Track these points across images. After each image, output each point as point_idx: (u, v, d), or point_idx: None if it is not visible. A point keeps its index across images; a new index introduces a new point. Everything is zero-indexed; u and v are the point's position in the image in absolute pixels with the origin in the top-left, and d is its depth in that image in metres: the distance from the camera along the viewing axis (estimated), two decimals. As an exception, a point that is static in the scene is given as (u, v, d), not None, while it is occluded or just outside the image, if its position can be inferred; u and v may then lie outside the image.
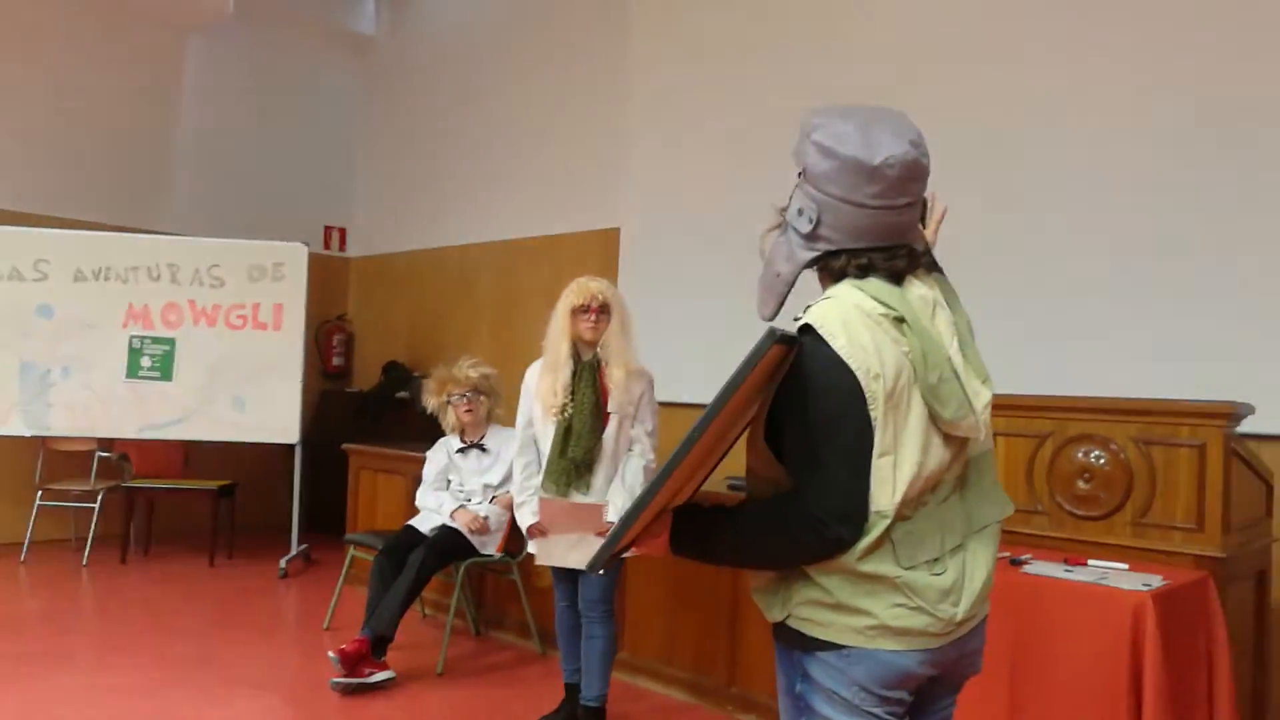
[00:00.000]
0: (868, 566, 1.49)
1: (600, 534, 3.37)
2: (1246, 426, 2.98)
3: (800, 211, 1.57)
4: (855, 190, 1.52)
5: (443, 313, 7.57)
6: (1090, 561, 2.79)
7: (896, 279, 1.57)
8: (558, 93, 6.68)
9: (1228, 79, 3.74)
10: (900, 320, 1.52)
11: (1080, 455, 3.00)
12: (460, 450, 4.63)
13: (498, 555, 4.49)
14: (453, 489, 4.63)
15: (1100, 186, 4.03)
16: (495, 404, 4.66)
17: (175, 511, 6.84)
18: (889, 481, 1.48)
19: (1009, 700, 2.54)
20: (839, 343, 1.48)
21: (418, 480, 4.76)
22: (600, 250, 6.14)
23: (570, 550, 3.45)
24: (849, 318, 1.50)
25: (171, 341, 6.24)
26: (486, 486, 4.57)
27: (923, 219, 1.66)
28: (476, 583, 5.04)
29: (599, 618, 3.51)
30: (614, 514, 3.40)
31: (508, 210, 7.01)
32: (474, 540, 4.42)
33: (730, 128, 5.33)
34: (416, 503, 4.68)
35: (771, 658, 1.67)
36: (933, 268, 1.68)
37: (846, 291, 1.55)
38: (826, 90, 4.90)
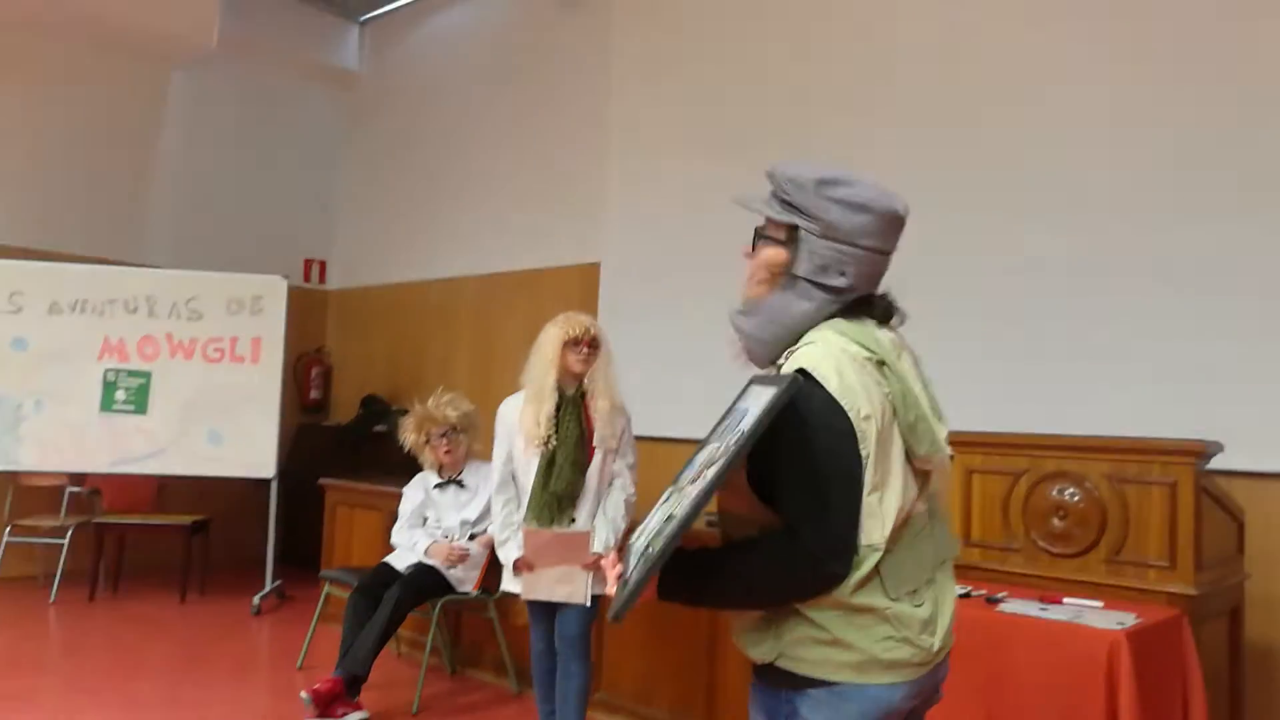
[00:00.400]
0: (860, 599, 1.53)
1: (587, 566, 3.37)
2: (1217, 463, 3.01)
3: (825, 268, 1.63)
4: (887, 241, 1.66)
5: (422, 346, 7.55)
6: (1065, 599, 2.80)
7: (887, 319, 1.69)
8: (539, 127, 6.73)
9: (1202, 120, 3.82)
10: (881, 363, 1.60)
11: (1055, 493, 3.03)
12: (438, 486, 4.61)
13: (474, 593, 4.45)
14: (429, 525, 4.60)
15: (1075, 228, 4.09)
16: (474, 440, 4.64)
17: (147, 547, 6.74)
18: (878, 515, 1.54)
19: (985, 739, 2.54)
20: (833, 385, 1.54)
21: (395, 516, 4.73)
22: (580, 285, 6.16)
23: (557, 584, 3.41)
24: (840, 361, 1.57)
25: (147, 375, 6.19)
26: (464, 523, 4.54)
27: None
28: (452, 620, 4.99)
29: (577, 655, 3.47)
30: (599, 546, 3.39)
31: (488, 244, 7.03)
32: (450, 578, 4.38)
33: (710, 163, 5.38)
34: (392, 540, 4.65)
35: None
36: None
37: (830, 336, 1.61)
38: (805, 128, 4.97)
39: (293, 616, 5.94)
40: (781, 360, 1.62)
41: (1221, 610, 3.12)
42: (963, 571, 3.17)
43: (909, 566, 1.59)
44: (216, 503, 6.74)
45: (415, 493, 4.67)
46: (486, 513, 4.55)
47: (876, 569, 1.53)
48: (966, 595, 2.85)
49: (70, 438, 6.07)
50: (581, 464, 3.42)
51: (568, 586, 3.38)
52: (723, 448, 1.52)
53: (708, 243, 5.09)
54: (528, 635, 3.69)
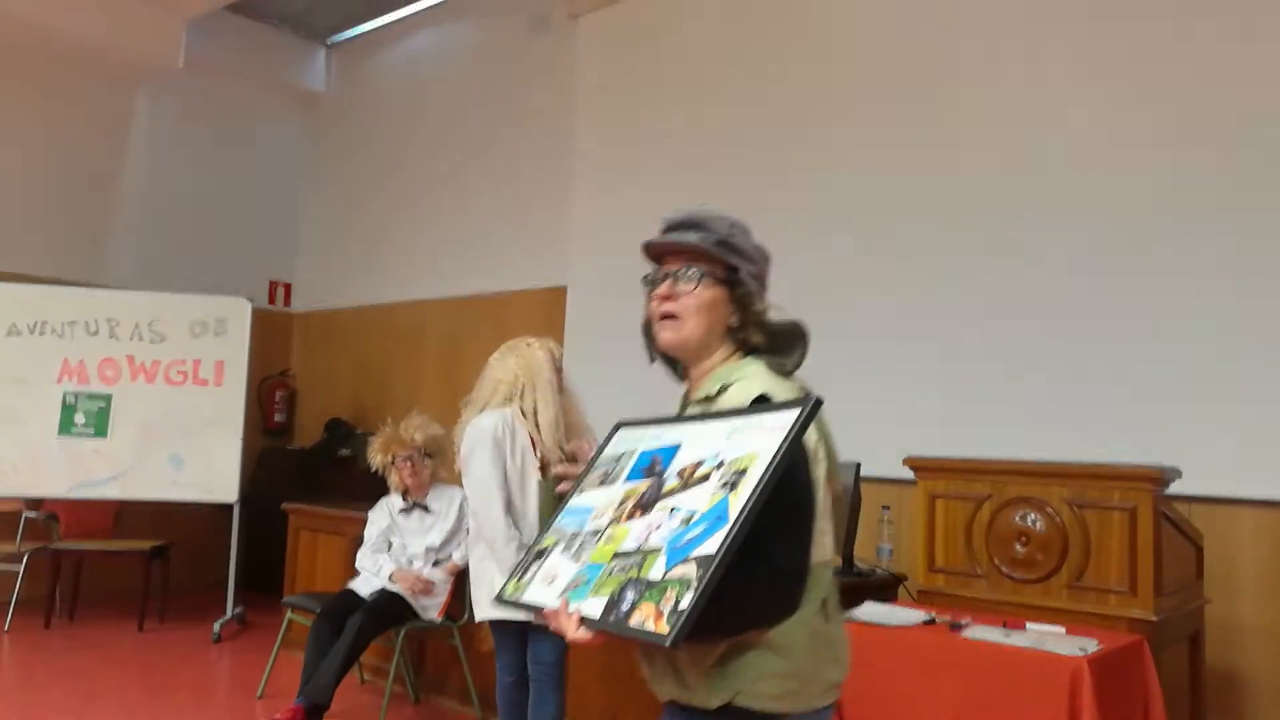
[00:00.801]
0: (817, 621, 1.59)
1: None
2: (1175, 489, 3.05)
3: (758, 306, 1.73)
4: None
5: (387, 369, 7.50)
6: (1028, 625, 2.81)
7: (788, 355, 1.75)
8: (505, 150, 6.75)
9: (1156, 157, 3.90)
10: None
11: (1017, 519, 3.05)
12: (403, 510, 4.57)
13: (439, 620, 4.41)
14: (394, 550, 4.55)
15: (1033, 253, 4.15)
16: (440, 465, 4.60)
17: (105, 573, 6.61)
18: (828, 533, 1.60)
19: (950, 766, 2.54)
20: None
21: (359, 541, 4.67)
22: (546, 308, 6.16)
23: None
24: (787, 388, 1.61)
25: (108, 397, 6.11)
26: (429, 549, 4.50)
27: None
28: (416, 647, 4.93)
29: (552, 684, 3.35)
30: None
31: (454, 267, 7.01)
32: (415, 604, 4.34)
33: (673, 189, 5.40)
34: (356, 565, 4.60)
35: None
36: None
37: (768, 368, 1.66)
38: (769, 155, 5.02)
39: (254, 644, 5.85)
40: (713, 392, 1.66)
41: (1182, 635, 3.15)
42: (927, 597, 3.20)
43: (833, 590, 1.65)
44: (177, 528, 6.63)
45: (380, 517, 4.63)
46: (451, 537, 4.52)
47: (824, 591, 1.59)
48: (930, 621, 2.86)
49: (27, 461, 5.96)
50: None
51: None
52: (650, 484, 1.53)
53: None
54: (493, 662, 3.62)
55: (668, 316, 1.73)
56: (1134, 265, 3.89)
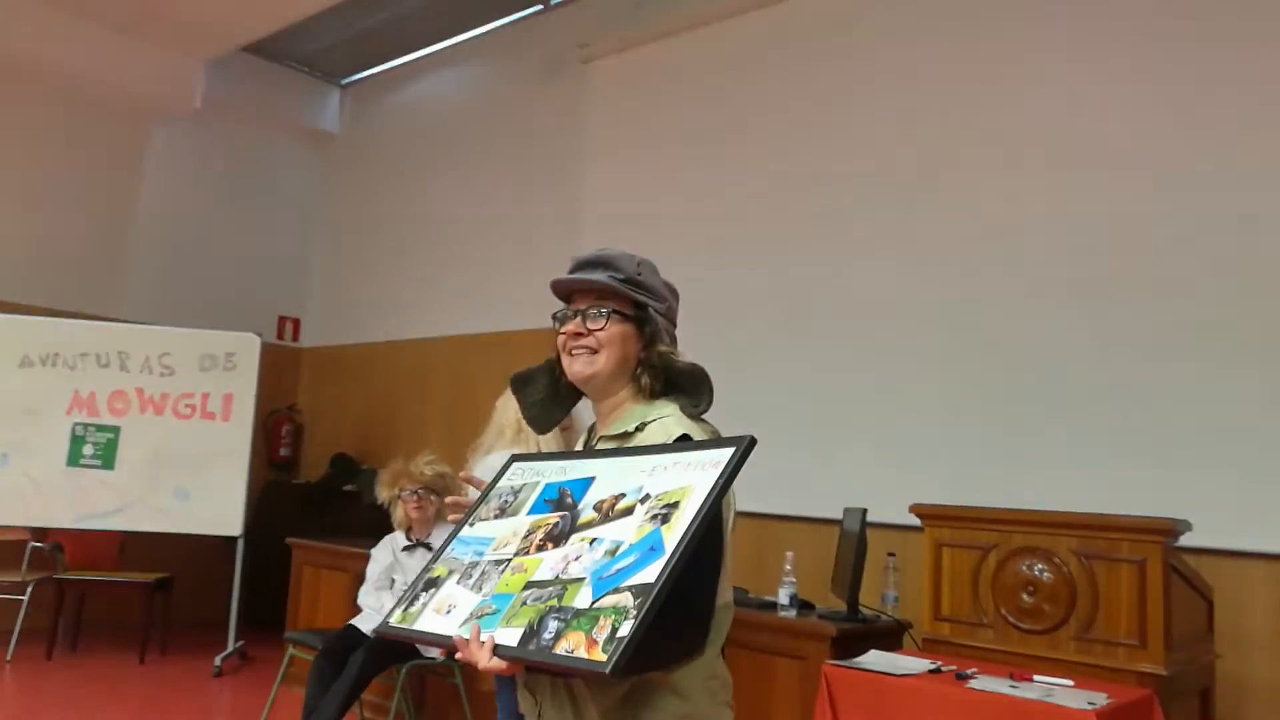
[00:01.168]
0: (716, 662, 1.61)
1: None
2: (1185, 541, 3.03)
3: (665, 345, 1.78)
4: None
5: (394, 406, 7.52)
6: (1036, 677, 2.79)
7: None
8: (514, 192, 6.80)
9: (1160, 195, 3.92)
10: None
11: (1024, 568, 3.03)
12: (406, 548, 4.56)
13: (440, 658, 4.38)
14: (396, 589, 4.54)
15: (1040, 302, 4.16)
16: (444, 504, 4.59)
17: (108, 605, 6.60)
18: (729, 577, 1.60)
19: (955, 820, 2.51)
20: None
21: (362, 577, 4.66)
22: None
23: None
24: (703, 429, 1.67)
25: (116, 430, 6.12)
26: (432, 586, 4.48)
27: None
28: (417, 685, 4.90)
29: None
30: None
31: (463, 305, 7.05)
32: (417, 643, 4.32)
33: (685, 226, 5.45)
34: (359, 601, 4.58)
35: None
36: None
37: (682, 410, 1.70)
38: (784, 196, 5.05)
39: (255, 678, 5.82)
40: (630, 428, 1.69)
41: (1192, 690, 3.11)
42: (932, 646, 3.18)
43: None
44: (180, 560, 6.62)
45: (383, 554, 4.62)
46: (456, 577, 4.50)
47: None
48: (936, 670, 2.84)
49: (34, 491, 5.97)
50: None
51: None
52: (561, 517, 1.55)
53: (684, 301, 5.13)
54: (493, 702, 3.61)
55: (581, 350, 1.77)
56: (1142, 315, 3.89)
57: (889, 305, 4.61)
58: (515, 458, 1.87)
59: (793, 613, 3.65)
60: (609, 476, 1.58)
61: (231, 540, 6.21)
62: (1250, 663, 3.51)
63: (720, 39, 5.57)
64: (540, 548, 1.53)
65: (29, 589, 6.12)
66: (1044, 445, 4.03)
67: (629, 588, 1.35)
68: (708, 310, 5.11)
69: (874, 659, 2.98)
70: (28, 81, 6.83)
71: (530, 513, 1.65)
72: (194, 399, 6.25)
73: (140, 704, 5.18)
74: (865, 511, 3.69)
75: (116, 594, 6.37)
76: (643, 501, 1.47)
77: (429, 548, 4.54)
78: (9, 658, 5.90)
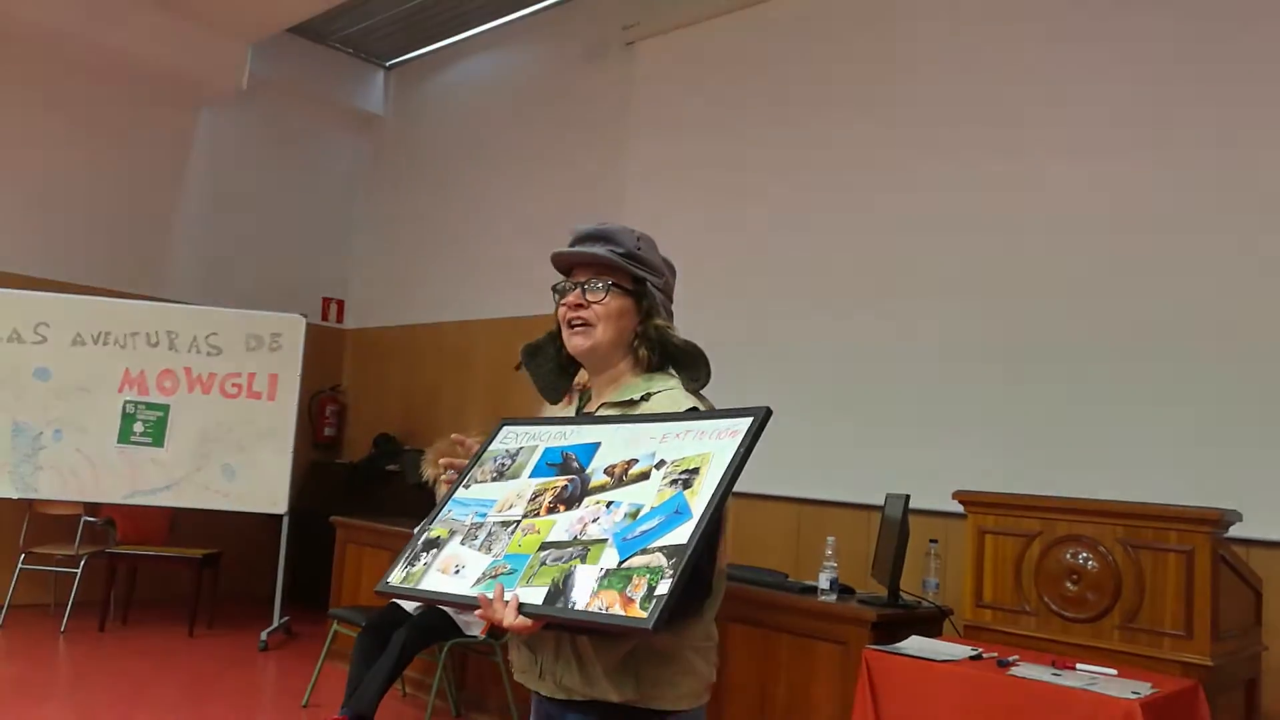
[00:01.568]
0: (711, 625, 1.68)
1: None
2: (1234, 531, 2.98)
3: (664, 318, 1.82)
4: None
5: (436, 388, 7.59)
6: (1078, 665, 2.77)
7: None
8: (558, 175, 6.81)
9: (1202, 175, 3.84)
10: None
11: (1069, 556, 3.00)
12: (449, 528, 4.60)
13: (482, 636, 4.44)
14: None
15: (1085, 289, 4.10)
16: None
17: (158, 579, 6.77)
18: (727, 541, 1.65)
19: (995, 807, 2.50)
20: None
21: (405, 557, 4.71)
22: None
23: None
24: (707, 407, 1.71)
25: (165, 408, 6.24)
26: (474, 566, 4.52)
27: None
28: (459, 663, 4.97)
29: None
30: None
31: (504, 288, 7.08)
32: (459, 621, 4.37)
33: (724, 214, 5.43)
34: (402, 580, 4.63)
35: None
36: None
37: (683, 384, 1.74)
38: (827, 179, 5.02)
39: (299, 654, 5.93)
40: (635, 398, 1.72)
41: (1238, 682, 3.07)
42: (974, 633, 3.16)
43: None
44: (228, 537, 6.75)
45: (426, 534, 4.66)
46: (497, 557, 4.54)
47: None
48: (978, 657, 2.82)
49: (87, 468, 6.11)
50: None
51: None
52: (570, 480, 1.59)
53: (720, 288, 5.12)
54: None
55: (579, 323, 1.79)
56: (1191, 302, 3.83)
57: (935, 288, 4.57)
58: (505, 421, 1.89)
59: (833, 597, 3.65)
60: (615, 442, 1.61)
61: (277, 518, 6.32)
62: (1299, 655, 3.46)
63: (766, 19, 5.53)
64: (551, 510, 1.56)
65: (82, 563, 6.27)
66: (1090, 432, 3.99)
67: (659, 549, 1.38)
68: (750, 291, 5.10)
69: (915, 645, 2.97)
70: (78, 64, 6.95)
71: (533, 475, 1.67)
72: (240, 379, 6.35)
73: (188, 676, 5.30)
74: (908, 498, 3.67)
75: (166, 569, 6.52)
76: (658, 467, 1.51)
77: (471, 528, 4.58)
78: (63, 629, 6.06)
